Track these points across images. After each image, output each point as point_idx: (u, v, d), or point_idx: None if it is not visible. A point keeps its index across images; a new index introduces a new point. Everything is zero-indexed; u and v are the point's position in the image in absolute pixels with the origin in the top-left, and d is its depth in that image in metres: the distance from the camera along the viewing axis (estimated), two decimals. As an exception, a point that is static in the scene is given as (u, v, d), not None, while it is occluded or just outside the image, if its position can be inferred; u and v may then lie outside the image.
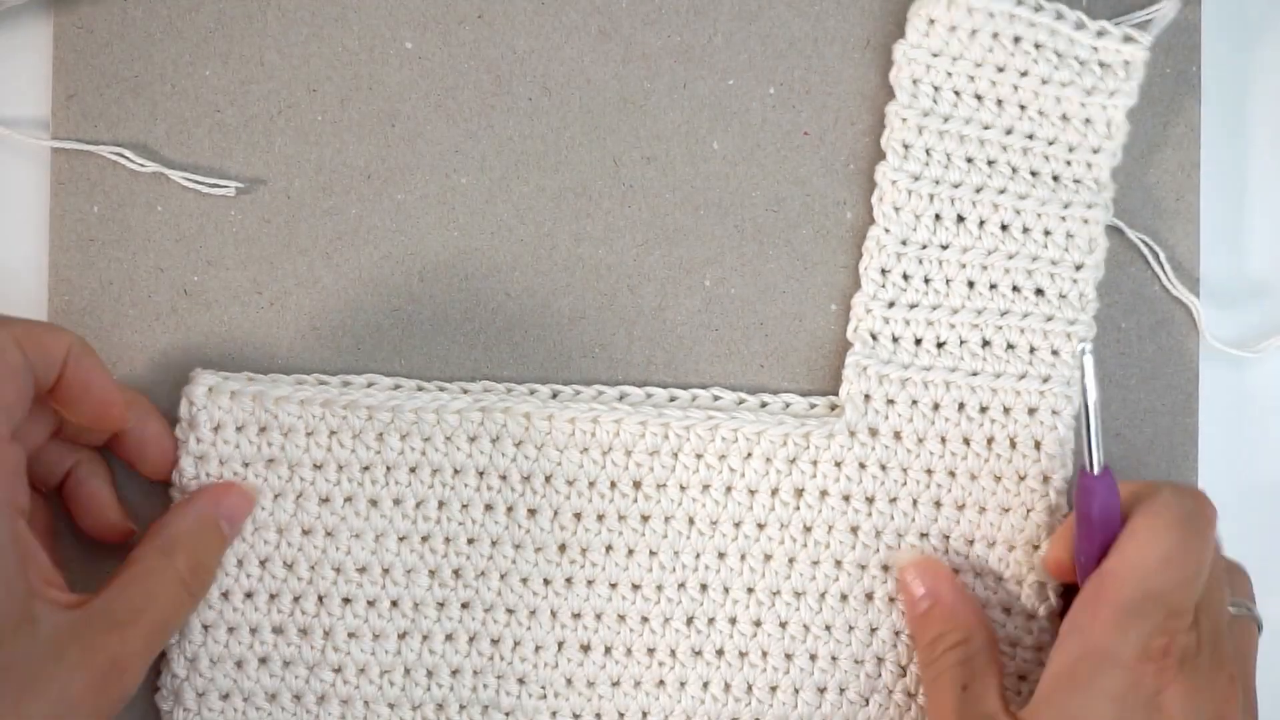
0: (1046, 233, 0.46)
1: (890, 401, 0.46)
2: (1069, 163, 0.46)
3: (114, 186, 0.46)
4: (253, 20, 0.47)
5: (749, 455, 0.46)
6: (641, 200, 0.47)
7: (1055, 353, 0.46)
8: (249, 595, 0.45)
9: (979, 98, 0.46)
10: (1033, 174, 0.46)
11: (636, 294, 0.47)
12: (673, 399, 0.47)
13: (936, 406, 0.46)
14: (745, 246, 0.47)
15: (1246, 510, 0.49)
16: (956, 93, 0.46)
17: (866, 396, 0.46)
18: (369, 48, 0.47)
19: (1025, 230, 0.46)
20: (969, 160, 0.46)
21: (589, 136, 0.47)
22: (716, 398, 0.47)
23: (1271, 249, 0.49)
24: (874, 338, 0.46)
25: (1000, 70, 0.46)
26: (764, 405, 0.47)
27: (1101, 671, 0.39)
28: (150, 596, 0.40)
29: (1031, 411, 0.46)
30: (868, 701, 0.46)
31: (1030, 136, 0.46)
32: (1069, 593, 0.45)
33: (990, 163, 0.46)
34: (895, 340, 0.46)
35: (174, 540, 0.41)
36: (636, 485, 0.46)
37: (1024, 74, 0.46)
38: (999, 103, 0.46)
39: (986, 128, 0.46)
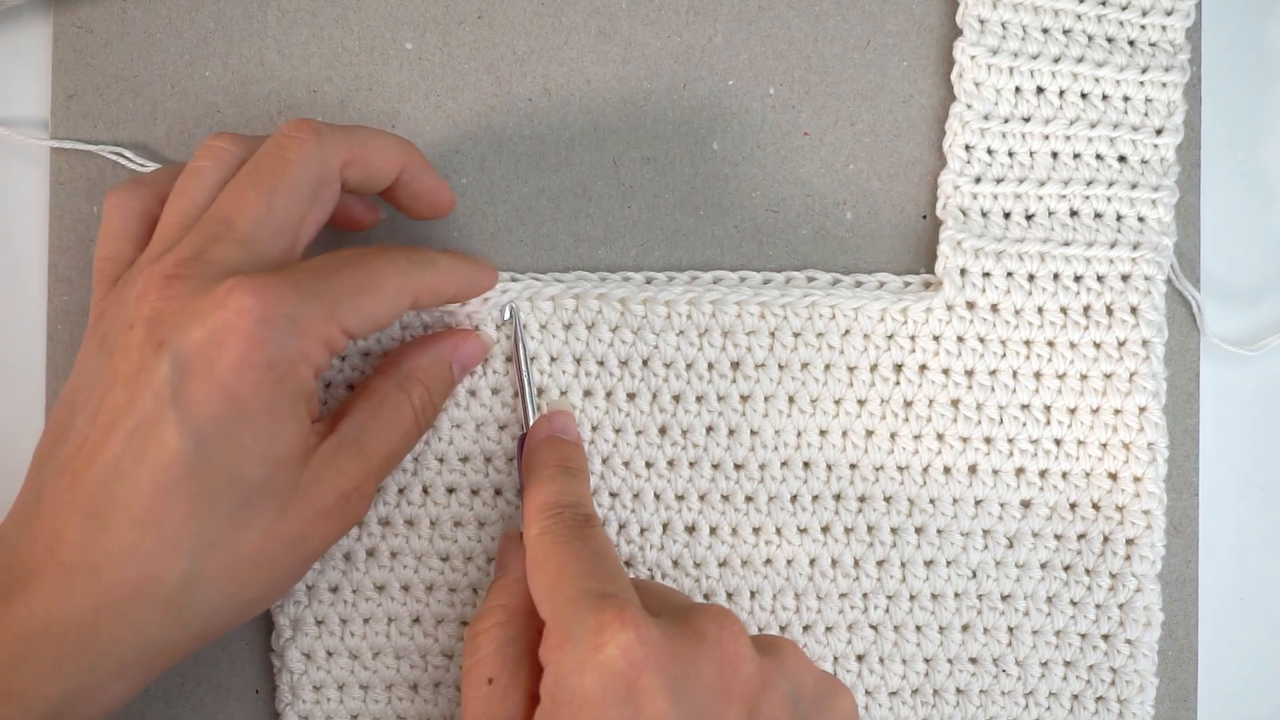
0: (1125, 99, 0.46)
1: (986, 275, 0.46)
2: (1143, 26, 0.46)
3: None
4: (253, 20, 0.47)
5: (846, 332, 0.46)
6: (641, 200, 0.47)
7: (1142, 220, 0.46)
8: (402, 490, 0.45)
9: None
10: (1108, 40, 0.46)
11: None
12: (767, 281, 0.47)
13: (1032, 278, 0.46)
14: (745, 246, 0.47)
15: (1247, 510, 0.49)
16: None
17: (963, 271, 0.46)
18: (369, 48, 0.47)
19: (1105, 98, 0.46)
20: (1044, 30, 0.46)
21: (589, 136, 0.47)
22: (811, 279, 0.47)
23: (1272, 248, 0.50)
24: (964, 214, 0.46)
25: None
26: (859, 285, 0.47)
27: None
28: (389, 428, 0.42)
29: (1125, 278, 0.46)
30: (975, 574, 0.46)
31: (1103, 3, 0.46)
32: None
33: (1066, 31, 0.46)
34: (984, 215, 0.46)
35: (411, 376, 0.43)
36: (735, 366, 0.46)
37: None
38: None
39: None
